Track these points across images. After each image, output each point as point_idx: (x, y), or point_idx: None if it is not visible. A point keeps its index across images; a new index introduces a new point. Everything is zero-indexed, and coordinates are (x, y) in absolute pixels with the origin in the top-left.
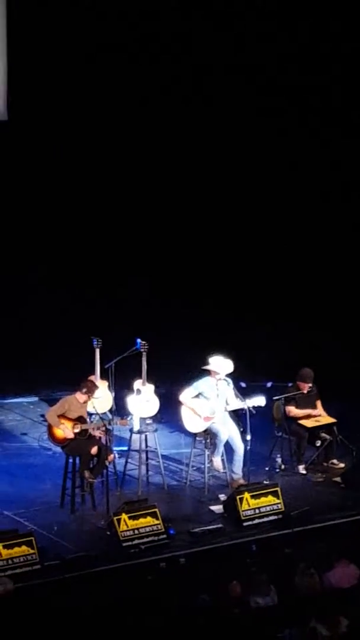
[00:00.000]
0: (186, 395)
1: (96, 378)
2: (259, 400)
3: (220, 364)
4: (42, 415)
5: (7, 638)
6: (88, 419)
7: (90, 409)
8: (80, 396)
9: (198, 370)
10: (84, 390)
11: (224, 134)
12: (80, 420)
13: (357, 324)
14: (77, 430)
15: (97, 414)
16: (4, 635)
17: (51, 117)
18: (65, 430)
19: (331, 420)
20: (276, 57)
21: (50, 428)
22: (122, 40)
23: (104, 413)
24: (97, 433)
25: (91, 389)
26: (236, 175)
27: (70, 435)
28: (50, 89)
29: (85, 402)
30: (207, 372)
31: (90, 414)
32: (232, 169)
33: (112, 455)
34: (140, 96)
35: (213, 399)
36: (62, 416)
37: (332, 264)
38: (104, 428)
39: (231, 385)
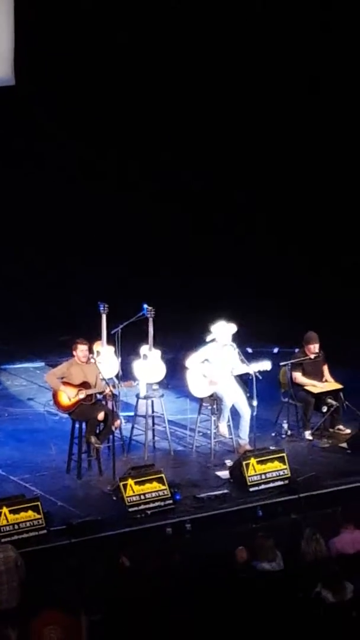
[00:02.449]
0: (193, 361)
1: (103, 343)
2: (265, 365)
3: (223, 330)
4: (45, 380)
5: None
6: (102, 383)
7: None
8: (77, 359)
9: (204, 339)
10: (73, 350)
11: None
12: (84, 385)
13: None
14: (81, 396)
15: (103, 379)
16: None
17: (58, 82)
18: (69, 396)
19: (338, 386)
20: None
21: (55, 396)
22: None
23: (110, 378)
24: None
25: (75, 345)
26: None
27: (73, 401)
28: (57, 53)
29: (84, 362)
30: (212, 340)
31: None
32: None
33: (118, 421)
34: (149, 59)
35: (219, 364)
36: (66, 383)
37: (340, 230)
38: (109, 391)
39: (237, 350)
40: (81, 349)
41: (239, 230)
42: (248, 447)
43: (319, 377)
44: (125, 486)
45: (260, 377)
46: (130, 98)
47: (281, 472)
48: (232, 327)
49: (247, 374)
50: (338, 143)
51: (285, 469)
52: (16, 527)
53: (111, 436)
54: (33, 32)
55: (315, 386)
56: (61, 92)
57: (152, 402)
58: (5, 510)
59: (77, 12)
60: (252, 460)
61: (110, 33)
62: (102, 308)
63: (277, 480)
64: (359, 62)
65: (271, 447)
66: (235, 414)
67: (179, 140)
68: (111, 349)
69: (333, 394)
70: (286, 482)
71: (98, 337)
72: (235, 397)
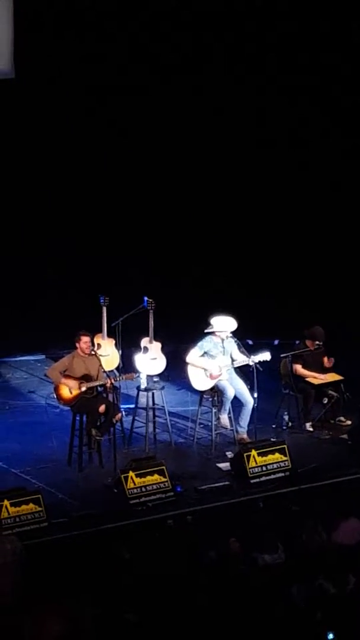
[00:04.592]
0: (192, 356)
1: (103, 336)
2: (264, 355)
3: (224, 323)
4: (47, 375)
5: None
6: (102, 375)
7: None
8: (79, 351)
9: (202, 332)
10: (76, 342)
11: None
12: (85, 378)
13: None
14: (83, 389)
15: (104, 371)
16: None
17: (57, 75)
18: (71, 388)
19: (338, 377)
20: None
21: (56, 389)
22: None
23: (111, 371)
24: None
25: (79, 337)
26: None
27: (75, 394)
28: (57, 46)
29: (87, 355)
30: (211, 332)
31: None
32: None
33: (119, 415)
34: (148, 56)
35: (219, 357)
36: (68, 376)
37: (338, 221)
38: (110, 383)
39: (237, 342)
40: (84, 341)
41: (238, 219)
42: (246, 437)
43: (320, 368)
44: (126, 478)
45: (261, 369)
46: (130, 91)
47: (282, 464)
48: (233, 323)
49: (248, 366)
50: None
51: (286, 460)
52: (17, 519)
53: (112, 428)
54: (33, 24)
55: (316, 378)
56: (61, 85)
57: (153, 394)
58: (6, 502)
59: (77, 4)
60: (253, 452)
61: (113, 25)
62: (102, 301)
63: (278, 471)
64: None
65: (272, 439)
66: (235, 404)
67: (181, 129)
68: (112, 341)
69: (334, 385)
70: (287, 473)
71: (99, 329)
72: (237, 388)
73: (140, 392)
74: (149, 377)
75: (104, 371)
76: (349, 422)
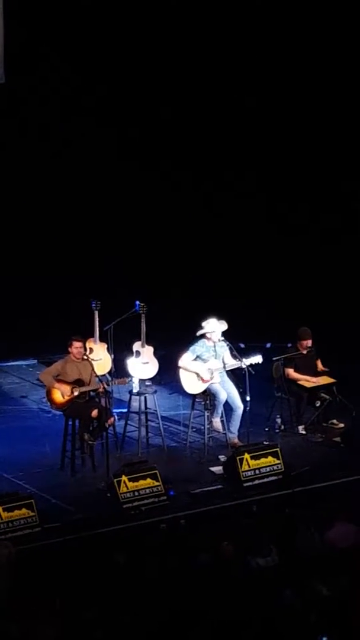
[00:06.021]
0: (185, 360)
1: (95, 340)
2: (256, 358)
3: (215, 326)
4: (39, 380)
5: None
6: (95, 380)
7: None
8: (72, 356)
9: (194, 336)
10: (68, 347)
11: None
12: (78, 383)
13: (356, 284)
14: (75, 394)
15: (96, 376)
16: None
17: (50, 80)
18: (64, 393)
19: (331, 380)
20: None
21: (49, 393)
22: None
23: (103, 375)
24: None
25: (71, 342)
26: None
27: (67, 398)
28: (49, 51)
29: (80, 360)
30: (203, 335)
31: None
32: None
33: (112, 419)
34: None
35: (211, 361)
36: (60, 380)
37: (333, 224)
38: (102, 388)
39: (228, 346)
40: (76, 346)
41: (230, 223)
42: (237, 442)
43: (312, 371)
44: (119, 483)
45: (253, 372)
46: (127, 95)
47: (275, 467)
48: (223, 324)
49: (240, 369)
50: None
51: (279, 463)
52: (10, 524)
53: (104, 433)
54: (25, 28)
55: (308, 381)
56: (52, 90)
57: (145, 398)
58: None
59: (68, 7)
60: (246, 456)
61: (105, 28)
62: (94, 305)
63: (271, 475)
64: None
65: (265, 442)
66: (226, 409)
67: (178, 138)
68: (104, 345)
69: (326, 388)
70: (280, 476)
71: (91, 334)
72: (228, 392)
73: (133, 396)
74: (141, 381)
75: (97, 376)
76: (341, 425)
